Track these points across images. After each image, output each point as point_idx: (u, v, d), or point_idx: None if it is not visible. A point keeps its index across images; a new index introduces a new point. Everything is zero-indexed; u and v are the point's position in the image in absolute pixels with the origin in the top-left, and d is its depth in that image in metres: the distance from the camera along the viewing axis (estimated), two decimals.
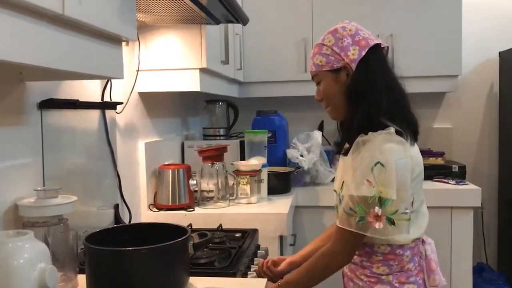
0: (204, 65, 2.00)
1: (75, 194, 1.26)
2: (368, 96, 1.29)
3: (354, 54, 1.30)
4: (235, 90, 2.90)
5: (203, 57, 2.00)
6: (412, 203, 1.29)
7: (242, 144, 2.57)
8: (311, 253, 1.45)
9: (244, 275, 1.42)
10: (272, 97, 3.10)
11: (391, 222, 1.22)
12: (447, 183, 2.74)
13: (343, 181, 1.31)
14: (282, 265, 1.52)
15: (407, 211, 1.24)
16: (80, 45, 1.01)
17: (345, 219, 1.26)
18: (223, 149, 2.21)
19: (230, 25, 2.40)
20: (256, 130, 2.56)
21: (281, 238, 2.01)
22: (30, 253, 0.99)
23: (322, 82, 1.38)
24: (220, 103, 2.82)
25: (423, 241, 1.38)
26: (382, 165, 1.21)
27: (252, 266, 1.51)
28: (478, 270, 2.96)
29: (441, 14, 2.85)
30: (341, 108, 1.36)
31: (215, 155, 2.16)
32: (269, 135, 2.60)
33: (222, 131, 2.76)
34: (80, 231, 1.51)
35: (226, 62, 2.32)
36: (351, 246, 1.30)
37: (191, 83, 2.03)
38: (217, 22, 1.89)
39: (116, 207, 1.80)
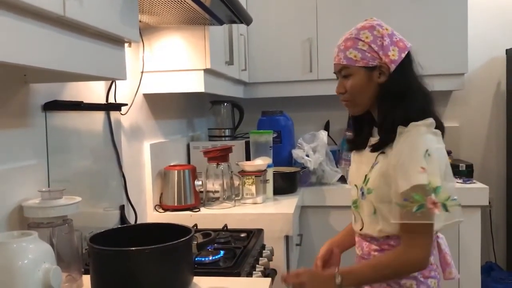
0: (208, 66, 2.01)
1: (81, 195, 1.27)
2: (405, 97, 1.30)
3: (394, 55, 1.31)
4: (240, 91, 2.91)
5: (207, 58, 2.00)
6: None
7: (247, 144, 2.58)
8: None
9: (249, 274, 1.42)
10: (277, 98, 3.10)
11: (446, 209, 1.23)
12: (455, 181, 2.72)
13: (367, 175, 1.34)
14: (323, 250, 1.51)
15: (455, 197, 1.25)
16: (82, 47, 1.02)
17: (401, 212, 1.24)
18: (228, 149, 2.21)
19: (234, 25, 2.41)
20: (262, 131, 2.56)
21: (287, 238, 2.00)
22: (35, 253, 0.99)
23: (352, 77, 1.35)
24: (226, 104, 2.82)
25: (437, 236, 1.40)
26: (429, 154, 1.23)
27: (257, 266, 1.50)
28: (487, 269, 2.93)
29: (447, 12, 2.83)
30: (365, 105, 1.37)
31: (220, 156, 2.16)
32: (275, 135, 2.59)
33: (227, 132, 2.76)
34: (86, 232, 1.52)
35: (230, 62, 2.33)
36: (425, 247, 1.26)
37: (195, 84, 2.03)
38: (220, 22, 1.90)
39: (122, 208, 1.80)
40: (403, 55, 1.32)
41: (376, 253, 1.35)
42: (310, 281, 1.29)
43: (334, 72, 1.41)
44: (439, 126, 1.33)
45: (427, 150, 1.23)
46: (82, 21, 0.96)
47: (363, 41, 1.33)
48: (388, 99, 1.32)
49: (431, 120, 1.28)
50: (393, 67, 1.31)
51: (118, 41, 1.19)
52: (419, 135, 1.26)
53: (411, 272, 1.30)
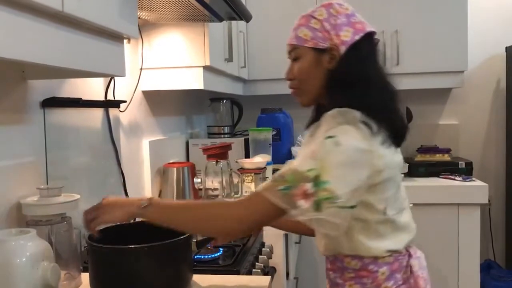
0: (208, 63, 2.00)
1: (79, 192, 1.26)
2: (355, 88, 1.13)
3: (346, 36, 1.14)
4: (239, 88, 2.90)
5: (207, 55, 2.00)
6: (385, 209, 1.11)
7: (246, 142, 2.57)
8: None
9: (249, 272, 1.41)
10: (276, 95, 3.09)
11: (317, 208, 1.01)
12: (454, 179, 2.72)
13: None
14: None
15: (340, 200, 1.01)
16: (80, 43, 1.01)
17: (269, 185, 1.07)
18: (228, 146, 2.20)
19: (233, 22, 2.40)
20: (261, 128, 2.55)
21: (286, 236, 2.00)
22: (33, 251, 0.99)
23: (300, 60, 1.20)
24: (225, 101, 2.81)
25: (410, 255, 1.18)
26: (337, 143, 1.04)
27: (256, 264, 1.50)
28: (486, 267, 2.93)
29: (446, 9, 2.83)
30: (312, 94, 1.20)
31: (219, 153, 2.15)
32: (274, 132, 2.59)
33: (226, 129, 2.75)
34: (84, 229, 1.51)
35: (230, 59, 2.32)
36: (255, 215, 1.07)
37: (194, 81, 2.02)
38: (220, 19, 1.89)
39: None
40: (357, 37, 1.14)
41: (330, 273, 1.19)
42: (110, 203, 1.13)
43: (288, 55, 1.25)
44: (399, 131, 1.15)
45: (333, 137, 1.04)
46: (81, 17, 0.95)
47: (316, 18, 1.17)
48: (336, 88, 1.14)
49: (357, 114, 1.07)
50: (343, 49, 1.14)
51: (117, 37, 1.18)
52: (337, 123, 1.08)
53: (218, 229, 1.10)
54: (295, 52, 1.21)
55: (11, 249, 0.97)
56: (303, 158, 1.06)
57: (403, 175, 1.23)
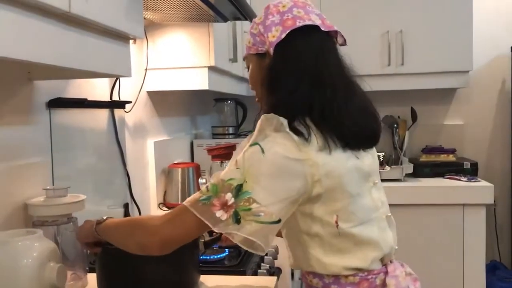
0: (213, 63, 2.00)
1: (85, 193, 1.26)
2: (282, 89, 1.03)
3: (274, 36, 1.05)
4: (243, 89, 2.89)
5: (211, 55, 1.99)
6: (337, 222, 1.01)
7: None
8: None
9: (255, 273, 1.41)
10: None
11: (237, 219, 0.94)
12: (459, 180, 2.71)
13: None
14: None
15: (262, 214, 0.94)
16: (87, 43, 1.01)
17: (194, 196, 0.99)
18: (232, 147, 2.20)
19: (238, 22, 2.39)
20: None
21: None
22: (39, 252, 0.99)
23: (250, 68, 1.15)
24: (229, 101, 2.81)
25: (386, 272, 1.07)
26: (261, 151, 0.96)
27: (262, 264, 1.49)
28: (491, 268, 2.92)
29: (451, 9, 2.82)
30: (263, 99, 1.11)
31: (224, 154, 2.15)
32: None
33: (231, 130, 2.75)
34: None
35: (234, 60, 2.31)
36: (175, 229, 0.99)
37: (199, 81, 2.02)
38: (224, 19, 1.88)
39: (126, 206, 1.80)
40: (283, 35, 1.04)
41: None
42: (79, 228, 1.16)
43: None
44: (352, 133, 1.03)
45: (259, 146, 0.96)
46: (87, 17, 0.95)
47: (256, 23, 1.11)
48: (266, 88, 1.06)
49: (283, 122, 0.98)
50: (271, 51, 1.06)
51: (123, 38, 1.18)
52: (264, 129, 0.98)
53: (137, 242, 1.03)
54: (246, 61, 1.18)
55: (18, 250, 0.97)
56: (228, 166, 0.99)
57: (375, 182, 1.10)
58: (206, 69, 2.01)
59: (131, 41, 1.24)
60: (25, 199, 1.20)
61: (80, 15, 0.92)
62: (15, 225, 1.17)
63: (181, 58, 2.01)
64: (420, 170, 2.82)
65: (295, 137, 0.97)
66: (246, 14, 1.83)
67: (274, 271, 1.57)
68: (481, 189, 2.60)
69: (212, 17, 1.82)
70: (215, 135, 2.77)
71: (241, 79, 2.75)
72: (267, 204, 0.95)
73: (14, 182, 1.19)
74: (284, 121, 0.98)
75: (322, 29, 1.07)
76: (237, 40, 2.36)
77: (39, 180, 1.28)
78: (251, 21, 2.00)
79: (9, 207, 1.17)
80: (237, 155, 0.99)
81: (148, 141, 2.07)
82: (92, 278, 1.26)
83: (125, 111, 1.80)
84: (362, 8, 2.85)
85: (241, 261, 1.39)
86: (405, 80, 2.83)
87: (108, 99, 1.69)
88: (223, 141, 2.51)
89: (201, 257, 1.39)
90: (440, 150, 2.96)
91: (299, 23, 1.05)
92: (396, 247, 1.14)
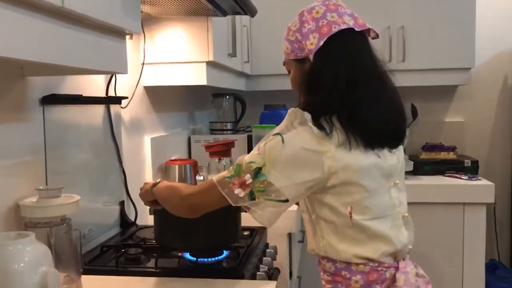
0: (211, 58, 1.95)
1: (79, 192, 1.23)
2: (319, 91, 1.12)
3: (312, 44, 1.12)
4: (242, 83, 2.85)
5: (210, 50, 1.95)
6: (351, 213, 1.10)
7: (249, 138, 2.53)
8: None
9: (253, 275, 1.38)
10: (280, 90, 3.04)
11: (252, 198, 1.08)
12: (460, 178, 2.68)
13: None
14: None
15: (274, 194, 1.07)
16: (81, 39, 0.97)
17: (221, 174, 1.15)
18: (231, 144, 2.16)
19: (237, 16, 2.35)
20: (264, 125, 2.51)
21: (290, 235, 1.96)
22: (31, 256, 0.96)
23: (291, 72, 1.23)
24: (227, 96, 2.77)
25: (397, 268, 1.14)
26: (282, 140, 1.07)
27: (261, 266, 1.46)
28: (491, 267, 2.90)
29: (454, 4, 2.77)
30: None
31: (222, 151, 2.11)
32: None
33: (229, 125, 2.71)
34: (85, 229, 1.48)
35: (233, 54, 2.27)
36: (201, 198, 1.17)
37: (197, 76, 1.98)
38: (224, 14, 1.84)
39: (122, 204, 1.76)
40: (322, 42, 1.11)
41: (321, 274, 1.20)
42: (141, 190, 1.33)
43: None
44: (375, 130, 1.10)
45: (280, 134, 1.08)
46: (81, 12, 0.91)
47: (292, 30, 1.19)
48: (308, 93, 1.15)
49: (307, 115, 1.08)
50: (311, 57, 1.14)
51: (119, 33, 1.14)
52: (290, 121, 1.10)
53: (172, 205, 1.22)
54: (286, 66, 1.25)
55: (9, 255, 0.93)
56: (252, 151, 1.12)
57: (395, 182, 1.16)
58: (205, 64, 1.97)
59: (127, 37, 1.20)
60: (17, 199, 1.17)
61: (73, 10, 0.88)
62: (7, 226, 1.14)
63: (179, 53, 1.96)
64: (420, 168, 2.78)
65: (316, 131, 1.07)
66: (246, 8, 1.79)
67: (273, 272, 1.54)
68: (482, 188, 2.57)
69: (211, 11, 1.77)
70: (213, 131, 2.73)
71: (240, 73, 2.71)
72: (280, 186, 1.07)
73: (6, 182, 1.15)
74: (308, 116, 1.08)
75: (356, 29, 1.14)
76: (236, 34, 2.31)
77: (32, 179, 1.24)
78: (251, 15, 1.96)
79: (1, 208, 1.13)
80: (262, 143, 1.11)
81: (145, 137, 2.03)
82: (86, 280, 1.23)
83: (121, 107, 1.75)
84: (364, 2, 2.80)
85: (239, 263, 1.36)
86: (405, 77, 2.77)
87: (104, 94, 1.65)
88: (221, 137, 2.48)
89: (199, 260, 1.36)
90: (440, 147, 2.93)
91: (334, 29, 1.12)
92: (410, 247, 1.20)
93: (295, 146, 1.07)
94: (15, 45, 0.77)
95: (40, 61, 0.84)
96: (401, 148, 1.23)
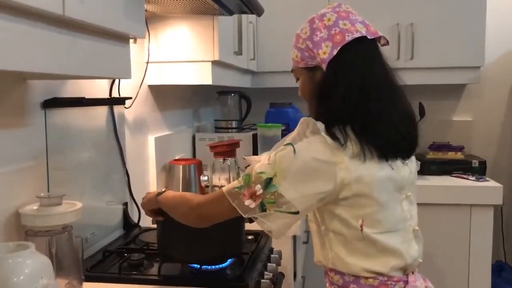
0: (217, 58, 1.92)
1: (82, 195, 1.21)
2: (332, 100, 1.09)
3: (325, 53, 1.09)
4: (247, 81, 2.81)
5: (216, 49, 1.92)
6: (362, 226, 1.07)
7: (254, 137, 2.50)
8: None
9: (258, 283, 1.35)
10: (286, 88, 3.00)
11: (263, 209, 1.06)
12: (467, 179, 2.65)
13: None
14: None
15: (283, 207, 1.05)
16: (83, 47, 0.94)
17: (231, 184, 1.13)
18: (236, 144, 2.13)
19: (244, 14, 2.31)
20: (270, 124, 2.48)
21: (294, 238, 1.94)
22: (31, 268, 0.93)
23: (300, 80, 1.21)
24: (232, 94, 2.73)
25: (407, 282, 1.11)
26: (294, 150, 1.05)
27: (265, 273, 1.44)
28: (497, 269, 2.87)
29: (464, 2, 2.72)
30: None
31: (227, 151, 2.08)
32: (283, 128, 2.51)
33: (234, 124, 2.68)
34: (88, 232, 1.46)
35: (239, 53, 2.23)
36: (211, 208, 1.15)
37: (202, 76, 1.95)
38: (230, 13, 1.80)
39: (125, 205, 1.74)
40: (335, 52, 1.08)
41: (328, 285, 1.18)
42: (144, 199, 1.34)
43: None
44: (390, 142, 1.08)
45: (293, 146, 1.05)
46: (83, 20, 0.88)
47: (302, 37, 1.15)
48: (320, 103, 1.13)
49: (320, 125, 1.06)
50: (324, 66, 1.10)
51: (122, 38, 1.11)
52: (302, 131, 1.09)
53: (181, 214, 1.22)
54: (295, 73, 1.23)
55: (8, 267, 0.91)
56: (263, 161, 1.10)
57: (407, 195, 1.14)
58: (210, 63, 1.94)
59: (131, 41, 1.17)
60: (18, 206, 1.14)
61: (75, 18, 0.84)
62: (7, 234, 1.11)
63: (184, 52, 1.93)
64: (427, 168, 2.75)
65: (330, 141, 1.04)
66: (252, 8, 1.75)
67: (278, 278, 1.52)
68: (490, 190, 2.53)
69: (217, 10, 1.73)
70: (218, 129, 2.70)
71: (246, 71, 2.68)
72: (291, 198, 1.04)
73: (7, 189, 1.13)
74: (321, 126, 1.06)
75: (368, 37, 1.12)
76: (242, 33, 2.27)
77: (34, 185, 1.22)
78: (258, 15, 1.92)
79: (1, 216, 1.11)
80: (272, 152, 1.09)
81: (149, 136, 2.00)
82: (87, 287, 1.21)
83: (125, 107, 1.73)
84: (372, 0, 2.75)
85: (244, 270, 1.33)
86: (414, 75, 2.74)
87: (107, 95, 1.62)
88: (226, 136, 2.45)
89: (202, 267, 1.34)
90: (447, 147, 2.89)
91: (348, 37, 1.09)
92: (420, 260, 1.18)
93: (307, 157, 1.04)
94: (16, 56, 0.74)
95: (41, 71, 0.81)
96: (413, 158, 1.20)
